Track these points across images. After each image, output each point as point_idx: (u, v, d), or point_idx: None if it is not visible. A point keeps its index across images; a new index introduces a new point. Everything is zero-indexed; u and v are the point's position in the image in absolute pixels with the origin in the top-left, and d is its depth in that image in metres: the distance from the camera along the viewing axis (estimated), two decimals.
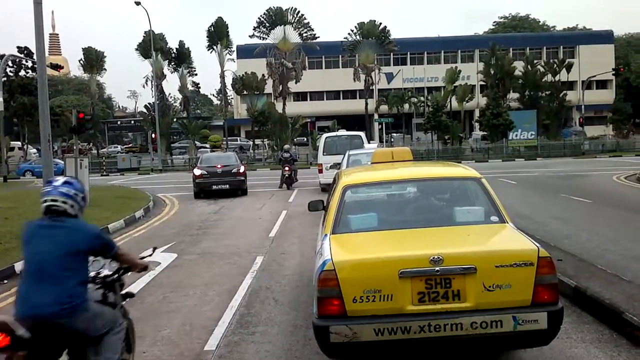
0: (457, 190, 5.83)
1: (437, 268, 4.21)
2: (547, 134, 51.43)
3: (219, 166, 21.78)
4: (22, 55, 49.45)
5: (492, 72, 54.34)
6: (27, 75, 54.76)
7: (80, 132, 20.33)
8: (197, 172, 21.68)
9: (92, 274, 4.12)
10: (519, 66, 54.49)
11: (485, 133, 50.39)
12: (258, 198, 20.28)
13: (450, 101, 60.55)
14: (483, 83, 60.17)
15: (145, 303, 7.36)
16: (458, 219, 5.21)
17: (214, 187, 21.14)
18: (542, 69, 54.59)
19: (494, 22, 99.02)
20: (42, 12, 13.52)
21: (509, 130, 47.07)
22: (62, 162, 23.06)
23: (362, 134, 23.22)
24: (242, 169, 22.23)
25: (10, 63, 53.38)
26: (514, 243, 4.62)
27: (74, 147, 22.07)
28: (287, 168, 23.40)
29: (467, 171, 5.90)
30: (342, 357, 4.49)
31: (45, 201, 3.78)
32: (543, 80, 53.98)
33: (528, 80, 53.50)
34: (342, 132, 27.14)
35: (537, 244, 4.43)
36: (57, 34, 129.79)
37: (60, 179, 3.96)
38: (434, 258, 4.22)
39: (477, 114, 63.78)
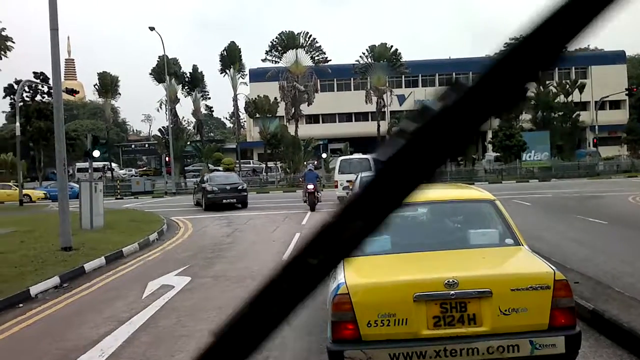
0: (471, 213, 5.78)
1: (452, 292, 4.19)
2: (561, 155, 51.13)
3: (227, 184, 26.15)
4: (38, 81, 50.26)
5: None
6: (43, 100, 55.60)
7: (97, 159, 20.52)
8: (209, 188, 25.23)
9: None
10: (531, 87, 54.33)
11: (498, 154, 50.20)
12: (271, 220, 20.29)
13: None
14: None
15: (159, 327, 7.35)
16: (472, 242, 5.15)
17: (224, 201, 24.98)
18: (554, 90, 54.45)
19: (505, 43, 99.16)
20: (59, 39, 13.76)
21: (522, 151, 46.89)
22: (77, 186, 23.28)
23: (370, 157, 26.19)
24: (244, 186, 27.26)
25: (26, 88, 54.25)
26: (529, 266, 4.59)
27: (90, 171, 22.38)
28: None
29: (481, 193, 5.95)
30: None
31: (307, 165, 31.69)
32: (555, 101, 53.82)
33: (540, 101, 53.36)
34: (355, 156, 29.14)
35: (553, 267, 4.40)
36: (73, 60, 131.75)
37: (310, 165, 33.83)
38: (449, 282, 4.19)
39: (489, 135, 63.62)
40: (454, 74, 76.71)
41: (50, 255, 12.67)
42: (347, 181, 22.93)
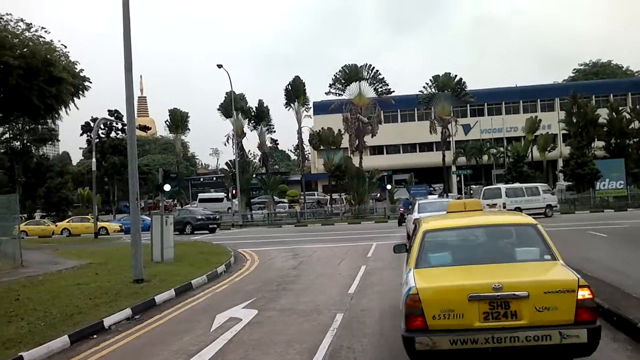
0: (516, 234, 6.84)
1: (498, 294, 5.35)
2: (637, 183, 48.79)
3: (209, 214, 39.55)
4: (112, 118, 52.54)
5: (575, 120, 52.64)
6: (118, 136, 58.04)
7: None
8: (198, 217, 38.17)
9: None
10: (603, 113, 52.58)
11: (570, 183, 48.44)
12: (336, 253, 20.21)
13: (532, 151, 58.97)
14: (565, 132, 58.42)
15: None
16: (517, 258, 6.31)
17: (210, 225, 37.61)
18: (628, 116, 52.34)
19: (574, 69, 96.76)
20: (133, 79, 14.37)
21: (595, 180, 45.07)
22: (149, 219, 23.99)
23: (502, 186, 37.02)
24: (218, 217, 41.36)
25: (102, 125, 56.82)
26: (559, 275, 5.69)
27: (160, 204, 22.98)
28: (402, 209, 34.20)
29: (526, 218, 7.12)
30: None
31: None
32: (630, 127, 51.63)
33: (614, 128, 51.34)
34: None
35: (578, 275, 5.51)
36: (145, 97, 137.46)
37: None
38: (495, 286, 5.37)
39: (560, 163, 61.73)
40: (520, 101, 75.34)
41: (123, 287, 13.05)
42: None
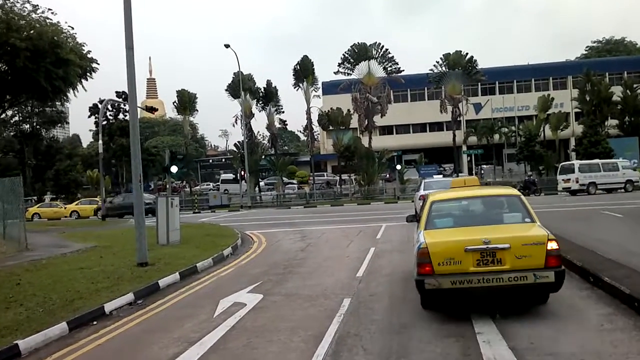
0: (504, 203, 8.69)
1: (487, 246, 7.11)
2: None
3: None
4: (120, 100, 52.25)
5: (588, 98, 51.77)
6: (125, 118, 57.80)
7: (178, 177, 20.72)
8: (146, 201, 34.35)
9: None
10: (617, 91, 51.57)
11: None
12: (345, 234, 19.91)
13: (544, 130, 58.14)
14: (578, 110, 57.47)
15: (229, 349, 7.09)
16: (504, 220, 8.11)
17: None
18: None
19: (587, 46, 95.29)
20: (134, 57, 14.00)
21: (609, 158, 44.39)
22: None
23: (575, 161, 37.44)
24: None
25: (109, 107, 56.54)
26: (534, 232, 7.44)
27: (167, 186, 22.68)
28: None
29: (512, 190, 9.11)
30: (432, 298, 7.57)
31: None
32: None
33: (628, 106, 50.52)
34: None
35: (548, 232, 7.25)
36: (154, 79, 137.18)
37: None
38: (485, 240, 7.14)
39: (573, 142, 60.93)
40: (532, 80, 74.23)
41: (127, 271, 12.80)
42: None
